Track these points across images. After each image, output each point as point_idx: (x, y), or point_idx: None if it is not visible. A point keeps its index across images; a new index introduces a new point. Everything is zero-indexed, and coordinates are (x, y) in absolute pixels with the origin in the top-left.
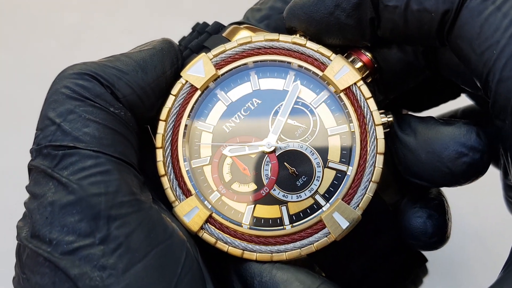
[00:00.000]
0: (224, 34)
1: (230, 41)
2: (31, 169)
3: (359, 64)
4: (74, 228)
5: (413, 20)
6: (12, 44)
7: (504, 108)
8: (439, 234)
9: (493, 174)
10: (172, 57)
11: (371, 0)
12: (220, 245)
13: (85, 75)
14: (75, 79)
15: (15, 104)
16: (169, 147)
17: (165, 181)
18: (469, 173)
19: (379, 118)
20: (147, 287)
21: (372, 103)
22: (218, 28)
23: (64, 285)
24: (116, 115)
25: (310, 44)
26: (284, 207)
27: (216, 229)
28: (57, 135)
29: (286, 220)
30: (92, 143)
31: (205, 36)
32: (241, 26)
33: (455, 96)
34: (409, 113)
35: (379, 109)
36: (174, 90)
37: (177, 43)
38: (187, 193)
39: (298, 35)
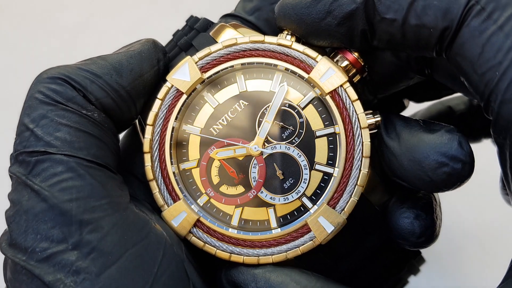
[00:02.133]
0: (211, 33)
1: (216, 41)
2: (11, 176)
3: (345, 63)
4: (47, 235)
5: (410, 34)
6: (12, 44)
7: (506, 128)
8: (426, 234)
9: (493, 174)
10: (152, 59)
11: (366, 11)
12: (208, 248)
13: (57, 79)
14: (48, 83)
15: (15, 104)
16: (157, 151)
17: (153, 185)
18: (450, 182)
19: (365, 121)
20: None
21: (358, 106)
22: (207, 25)
23: None
24: (89, 117)
25: (296, 45)
26: (272, 209)
27: (204, 233)
28: (31, 141)
29: (273, 222)
30: (64, 148)
31: (193, 34)
32: (227, 24)
33: (452, 93)
34: (396, 113)
35: (366, 109)
36: (160, 94)
37: (165, 43)
38: (175, 197)
39: (285, 33)
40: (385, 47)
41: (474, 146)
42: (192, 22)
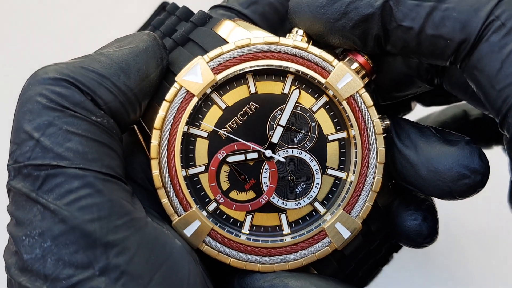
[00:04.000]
0: (213, 28)
1: (221, 37)
2: (10, 189)
3: (356, 65)
4: (70, 261)
5: (426, 44)
6: (12, 44)
7: None
8: (432, 234)
9: (493, 174)
10: (157, 58)
11: (382, 16)
12: (222, 257)
13: (62, 80)
14: (51, 85)
15: (15, 105)
16: (165, 157)
17: (162, 193)
18: (468, 192)
19: (380, 127)
20: None
21: (373, 111)
22: (205, 19)
23: None
24: (99, 123)
25: (312, 48)
26: (284, 214)
27: (217, 242)
28: (37, 151)
29: (285, 227)
30: (77, 160)
31: (190, 27)
32: (232, 20)
33: (460, 100)
34: (405, 117)
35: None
36: (169, 96)
37: (159, 32)
38: (186, 206)
39: (295, 31)
40: (398, 53)
41: None
42: (183, 12)
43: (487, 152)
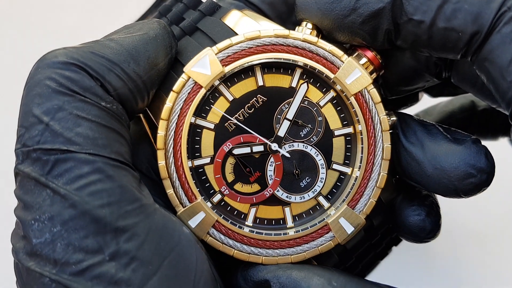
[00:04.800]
0: (221, 18)
1: (230, 27)
2: (18, 173)
3: (364, 60)
4: (80, 246)
5: (437, 37)
6: (12, 44)
7: None
8: (435, 230)
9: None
10: (166, 46)
11: (392, 10)
12: (226, 249)
13: (71, 65)
14: (61, 69)
15: (15, 104)
16: (171, 148)
17: (167, 184)
18: (474, 191)
19: (387, 123)
20: None
21: (380, 108)
22: (214, 8)
23: None
24: (108, 109)
25: (321, 43)
26: (288, 208)
27: (221, 234)
28: (46, 136)
29: (289, 220)
30: (87, 145)
31: (198, 16)
32: (240, 11)
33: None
34: (411, 114)
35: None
36: (177, 87)
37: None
38: (191, 197)
39: (304, 24)
40: (409, 48)
41: None
42: (191, 1)
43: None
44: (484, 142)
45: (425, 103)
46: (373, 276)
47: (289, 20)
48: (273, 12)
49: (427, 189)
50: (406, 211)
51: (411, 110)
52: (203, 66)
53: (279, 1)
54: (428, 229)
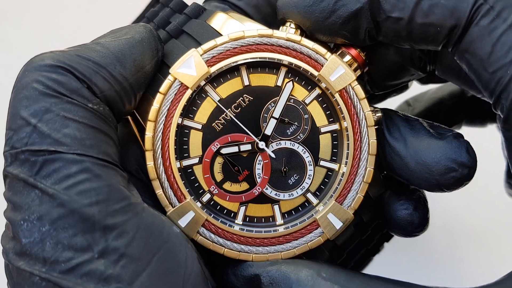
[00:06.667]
0: (206, 21)
1: (215, 29)
2: (6, 175)
3: (348, 58)
4: (69, 244)
5: (417, 32)
6: (11, 44)
7: None
8: (423, 224)
9: (492, 173)
10: (152, 49)
11: (370, 10)
12: (216, 247)
13: (58, 67)
14: (48, 72)
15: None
16: (160, 149)
17: (156, 185)
18: (456, 185)
19: (372, 119)
20: None
21: (365, 104)
22: (199, 11)
23: None
24: (95, 110)
25: (305, 41)
26: (277, 205)
27: (211, 233)
28: (34, 137)
29: (278, 218)
30: (74, 146)
31: (184, 19)
32: (226, 13)
33: None
34: (395, 110)
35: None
36: (163, 89)
37: (153, 24)
38: (180, 197)
39: (288, 24)
40: (390, 42)
41: (476, 148)
42: (177, 4)
43: (487, 149)
44: (475, 130)
45: (415, 90)
46: (370, 273)
47: (274, 22)
48: (258, 14)
49: (411, 183)
50: (394, 205)
51: (401, 97)
52: (188, 67)
53: (264, 4)
54: (416, 223)
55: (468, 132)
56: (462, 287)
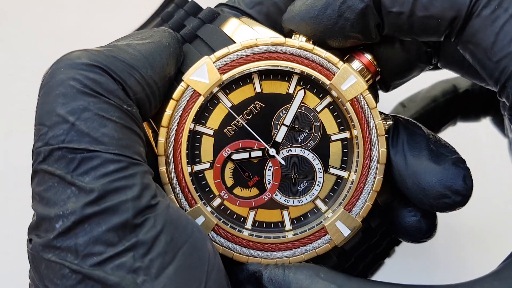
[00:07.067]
0: (220, 26)
1: (227, 35)
2: (37, 171)
3: (360, 67)
4: (102, 239)
5: (418, 25)
6: (11, 44)
7: None
8: (431, 230)
9: (492, 172)
10: (177, 55)
11: (374, 6)
12: (226, 251)
13: (95, 67)
14: (85, 71)
15: (15, 104)
16: (172, 154)
17: (168, 189)
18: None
19: (383, 128)
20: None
21: (376, 113)
22: (213, 16)
23: None
24: (129, 112)
25: (317, 50)
26: (286, 211)
27: (221, 237)
28: (72, 135)
29: (287, 224)
30: (112, 145)
31: (198, 23)
32: (238, 18)
33: None
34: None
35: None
36: (176, 95)
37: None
38: (191, 201)
39: (297, 36)
40: (393, 35)
41: (476, 147)
42: (192, 7)
43: (486, 150)
44: (475, 129)
45: (410, 91)
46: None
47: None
48: (269, 22)
49: (408, 197)
50: (403, 212)
51: (396, 99)
52: (201, 75)
53: (275, 11)
54: (424, 229)
55: (468, 131)
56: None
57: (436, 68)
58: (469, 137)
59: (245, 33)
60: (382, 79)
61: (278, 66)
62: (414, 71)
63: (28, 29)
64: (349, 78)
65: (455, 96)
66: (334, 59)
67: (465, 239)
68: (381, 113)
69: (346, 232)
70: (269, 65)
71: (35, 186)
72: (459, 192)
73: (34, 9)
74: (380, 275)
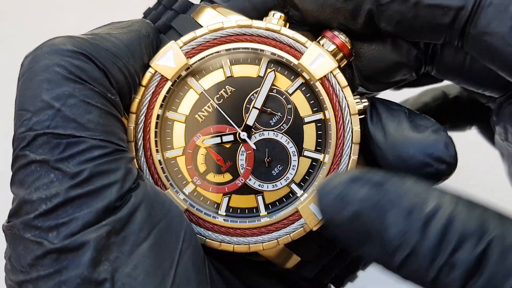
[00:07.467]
0: (192, 15)
1: (198, 23)
2: (20, 156)
3: (333, 47)
4: (83, 219)
5: (423, 15)
6: (12, 44)
7: None
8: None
9: (491, 173)
10: (154, 44)
11: None
12: (198, 237)
13: (80, 54)
14: (69, 57)
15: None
16: (141, 140)
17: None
18: (433, 179)
19: (355, 107)
20: (154, 265)
21: (348, 92)
22: (187, 6)
23: (71, 273)
24: (112, 101)
25: (284, 30)
26: (260, 196)
27: (192, 223)
28: (57, 121)
29: (262, 209)
30: (97, 131)
31: (172, 14)
32: (208, 5)
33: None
34: (382, 98)
35: (353, 94)
36: (144, 81)
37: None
38: (161, 187)
39: (272, 15)
40: (391, 31)
41: (476, 148)
42: (168, 2)
43: (486, 152)
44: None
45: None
46: (369, 274)
47: None
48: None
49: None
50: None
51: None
52: (167, 59)
53: (250, 7)
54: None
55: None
56: None
57: (423, 78)
58: (468, 136)
59: (217, 20)
60: (365, 76)
61: (248, 48)
62: (398, 74)
63: (28, 29)
64: (318, 56)
65: (445, 101)
66: (302, 38)
67: None
68: (357, 93)
69: (320, 215)
70: (240, 48)
71: (17, 170)
72: (441, 159)
73: (34, 9)
74: (378, 276)
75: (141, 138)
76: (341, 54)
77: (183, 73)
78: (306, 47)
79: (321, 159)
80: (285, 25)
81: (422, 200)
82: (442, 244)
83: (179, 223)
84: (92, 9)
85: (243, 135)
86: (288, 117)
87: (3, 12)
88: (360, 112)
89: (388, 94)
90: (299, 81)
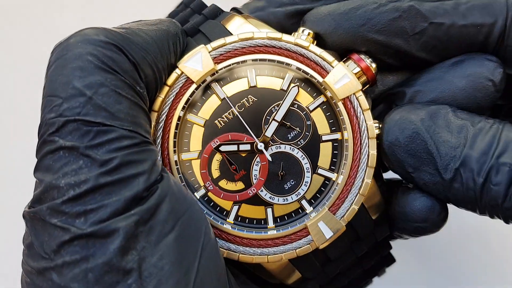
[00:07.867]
0: (222, 21)
1: (228, 30)
2: (47, 141)
3: (357, 70)
4: (111, 207)
5: (457, 36)
6: (12, 44)
7: None
8: (445, 210)
9: None
10: (181, 44)
11: (408, 19)
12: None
13: (112, 45)
14: (102, 48)
15: (14, 105)
16: (160, 139)
17: None
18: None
19: (374, 131)
20: (179, 257)
21: (368, 115)
22: (216, 12)
23: (98, 260)
24: (140, 94)
25: (313, 47)
26: (270, 209)
27: None
28: (88, 108)
29: (270, 221)
30: (127, 122)
31: (201, 19)
32: (238, 14)
33: None
34: None
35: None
36: (169, 81)
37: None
38: None
39: (301, 30)
40: (426, 56)
41: None
42: (197, 5)
43: None
44: None
45: None
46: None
47: None
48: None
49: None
50: (410, 196)
51: None
52: (195, 62)
53: (274, 20)
54: (437, 209)
55: None
56: None
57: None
58: None
59: (237, 24)
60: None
61: (274, 60)
62: None
63: (28, 29)
64: (343, 77)
65: None
66: (329, 57)
67: (465, 239)
68: (375, 119)
69: (328, 234)
70: (266, 59)
71: (44, 155)
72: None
73: (34, 9)
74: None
75: (160, 137)
76: (364, 78)
77: (208, 78)
78: (333, 66)
79: (334, 179)
80: (313, 42)
81: (470, 120)
82: (489, 152)
83: (200, 217)
84: (92, 9)
85: (261, 145)
86: (306, 133)
87: (3, 12)
88: (378, 137)
89: None
90: (321, 99)
